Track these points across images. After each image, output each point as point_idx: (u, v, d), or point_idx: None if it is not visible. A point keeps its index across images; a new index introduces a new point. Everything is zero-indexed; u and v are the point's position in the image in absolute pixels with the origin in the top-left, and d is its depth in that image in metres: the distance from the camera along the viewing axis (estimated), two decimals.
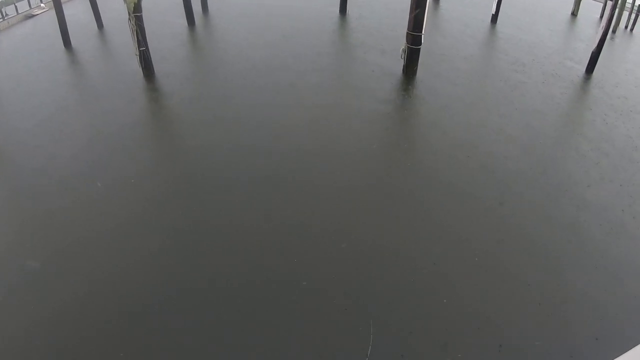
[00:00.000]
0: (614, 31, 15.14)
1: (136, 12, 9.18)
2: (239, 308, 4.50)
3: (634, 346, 1.64)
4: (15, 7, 15.60)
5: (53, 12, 12.52)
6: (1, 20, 14.75)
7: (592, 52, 11.07)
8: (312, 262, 5.05)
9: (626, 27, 16.85)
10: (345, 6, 14.15)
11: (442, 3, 16.64)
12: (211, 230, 5.56)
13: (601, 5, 16.52)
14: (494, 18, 14.00)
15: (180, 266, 5.03)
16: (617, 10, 13.78)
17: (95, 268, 5.05)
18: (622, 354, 1.58)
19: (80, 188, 6.46)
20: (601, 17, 15.20)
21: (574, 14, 16.28)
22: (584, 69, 11.17)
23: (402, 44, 9.46)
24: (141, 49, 9.73)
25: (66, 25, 12.20)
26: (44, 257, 5.22)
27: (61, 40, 12.22)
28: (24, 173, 6.97)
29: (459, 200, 6.09)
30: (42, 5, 16.64)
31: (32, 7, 16.41)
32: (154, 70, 10.04)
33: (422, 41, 9.05)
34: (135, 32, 9.45)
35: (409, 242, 5.37)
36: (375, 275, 4.91)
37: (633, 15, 16.68)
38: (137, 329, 4.30)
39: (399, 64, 9.79)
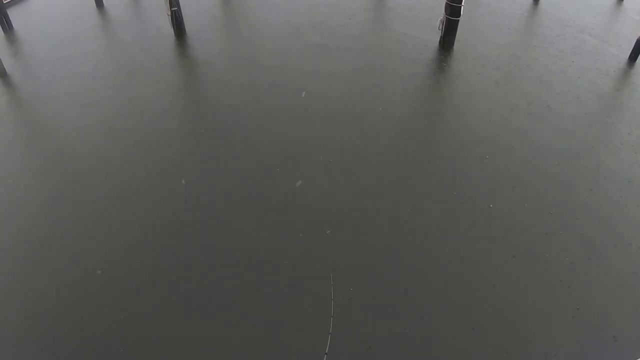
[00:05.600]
0: None
1: None
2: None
3: None
4: None
5: None
6: None
7: (638, 40, 10.57)
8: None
9: None
10: None
11: None
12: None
13: None
14: None
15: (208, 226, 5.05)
16: None
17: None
18: None
19: (111, 141, 6.56)
20: None
21: None
22: (627, 57, 10.68)
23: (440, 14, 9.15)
24: (173, 9, 9.66)
25: None
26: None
27: (93, 1, 12.24)
28: (62, 126, 7.09)
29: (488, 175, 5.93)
30: None
31: None
32: (185, 31, 9.98)
33: (462, 13, 8.72)
34: None
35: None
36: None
37: None
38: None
39: (436, 36, 9.48)
